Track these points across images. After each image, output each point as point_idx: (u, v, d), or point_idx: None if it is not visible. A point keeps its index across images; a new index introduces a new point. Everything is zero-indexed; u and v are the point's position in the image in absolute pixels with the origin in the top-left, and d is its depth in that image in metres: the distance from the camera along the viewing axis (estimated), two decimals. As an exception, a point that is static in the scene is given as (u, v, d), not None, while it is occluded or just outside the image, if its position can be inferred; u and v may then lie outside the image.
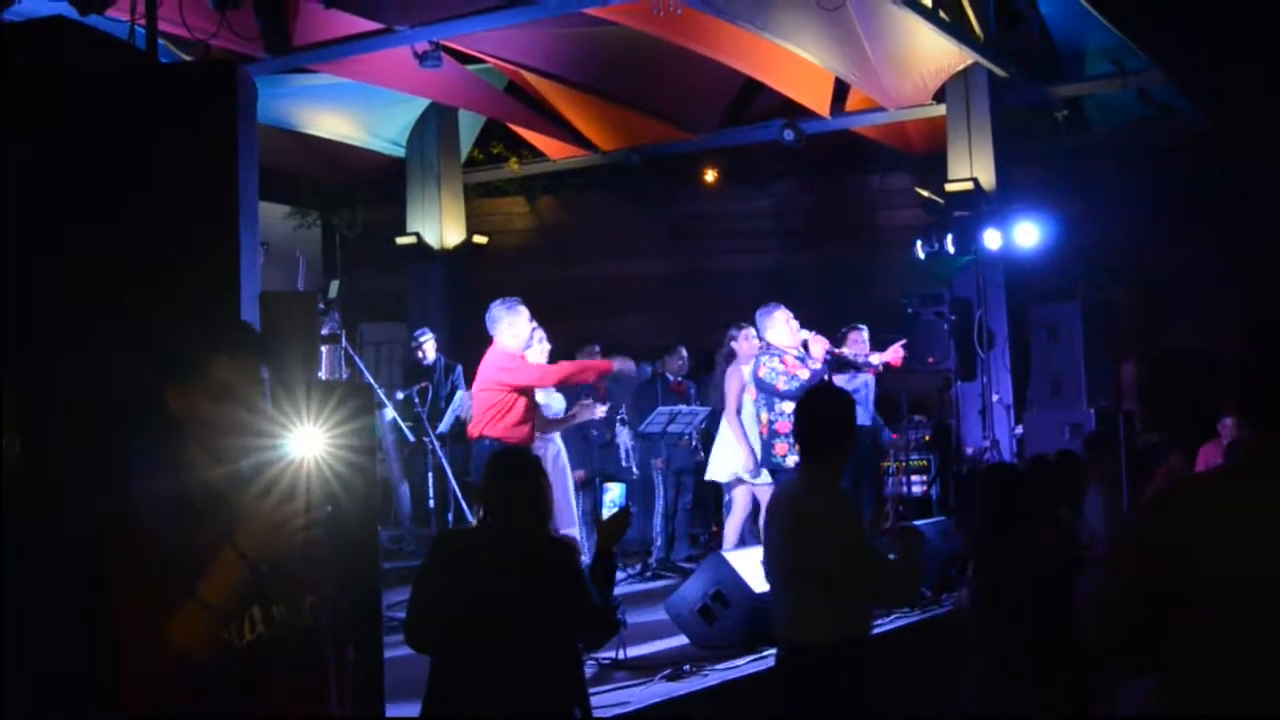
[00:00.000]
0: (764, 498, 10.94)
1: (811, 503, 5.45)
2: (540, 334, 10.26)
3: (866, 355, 11.51)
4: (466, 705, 4.87)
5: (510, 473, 5.21)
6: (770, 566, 5.80)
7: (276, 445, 3.00)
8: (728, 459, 11.27)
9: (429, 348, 13.24)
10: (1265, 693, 2.74)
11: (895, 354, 11.35)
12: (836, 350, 10.98)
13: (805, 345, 10.56)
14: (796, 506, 5.53)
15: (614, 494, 5.65)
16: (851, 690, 5.38)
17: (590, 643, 7.81)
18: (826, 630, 5.38)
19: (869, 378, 12.37)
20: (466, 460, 10.41)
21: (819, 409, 5.65)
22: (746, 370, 10.99)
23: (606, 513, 5.55)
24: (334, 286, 9.74)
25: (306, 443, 2.98)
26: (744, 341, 11.27)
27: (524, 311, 9.47)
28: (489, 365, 9.40)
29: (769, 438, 10.32)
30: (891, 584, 5.59)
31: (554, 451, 10.68)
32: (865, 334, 12.32)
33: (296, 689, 3.12)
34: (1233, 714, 2.77)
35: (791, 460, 9.99)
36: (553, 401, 11.33)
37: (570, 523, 10.34)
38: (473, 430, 9.49)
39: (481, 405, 9.31)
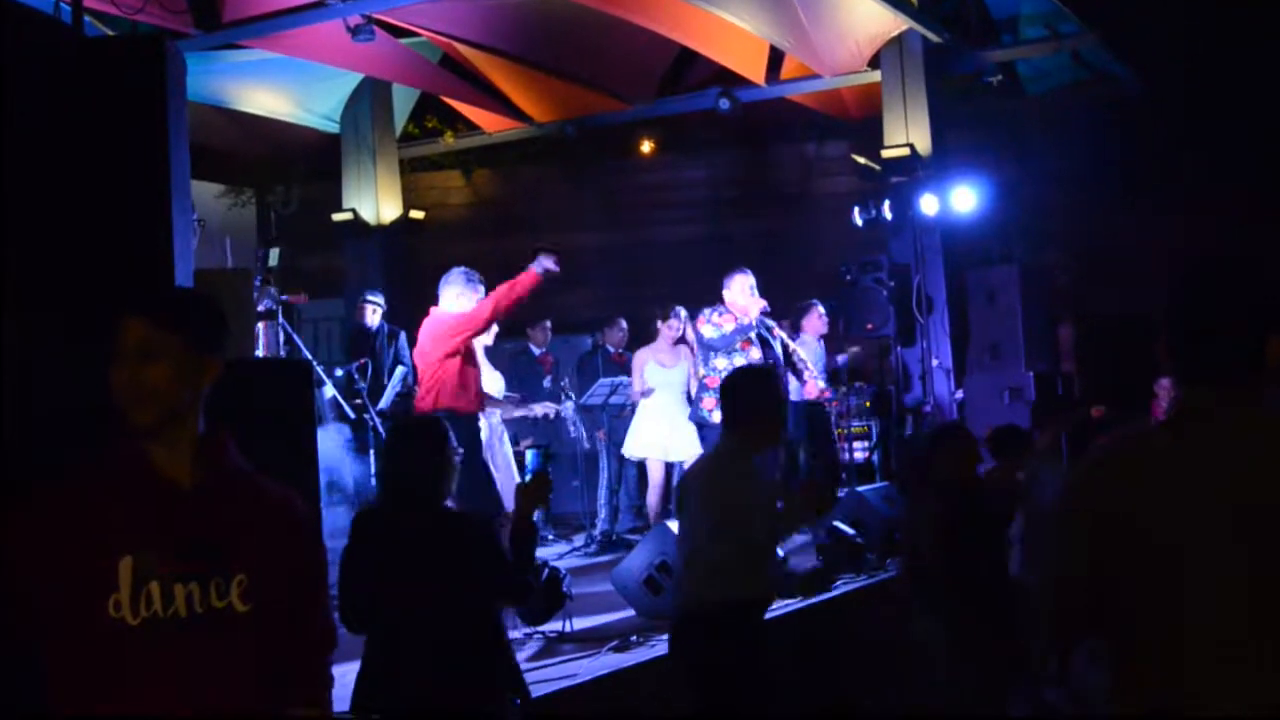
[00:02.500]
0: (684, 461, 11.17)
1: (725, 472, 5.70)
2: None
3: (806, 375, 11.59)
4: (391, 684, 4.85)
5: (410, 443, 5.13)
6: (682, 529, 6.01)
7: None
8: (634, 438, 11.52)
9: (372, 316, 13.06)
10: (1213, 651, 2.74)
11: (812, 389, 11.60)
12: (773, 325, 11.02)
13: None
14: (711, 474, 5.79)
15: (530, 460, 5.54)
16: (750, 648, 5.53)
17: (524, 616, 7.83)
18: (731, 589, 5.52)
19: (817, 346, 12.48)
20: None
21: (743, 384, 5.86)
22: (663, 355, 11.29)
23: (522, 480, 5.52)
24: (273, 255, 9.60)
25: None
26: (671, 326, 11.50)
27: (482, 290, 9.37)
28: (435, 334, 9.15)
29: (699, 391, 10.51)
30: (790, 518, 5.96)
31: (489, 425, 10.55)
32: (821, 309, 12.49)
33: (199, 683, 2.83)
34: (1184, 676, 2.77)
35: (717, 416, 10.06)
36: (493, 381, 11.24)
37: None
38: (420, 402, 9.22)
39: (427, 376, 9.15)
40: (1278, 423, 2.92)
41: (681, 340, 11.63)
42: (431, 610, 4.83)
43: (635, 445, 11.59)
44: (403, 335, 12.73)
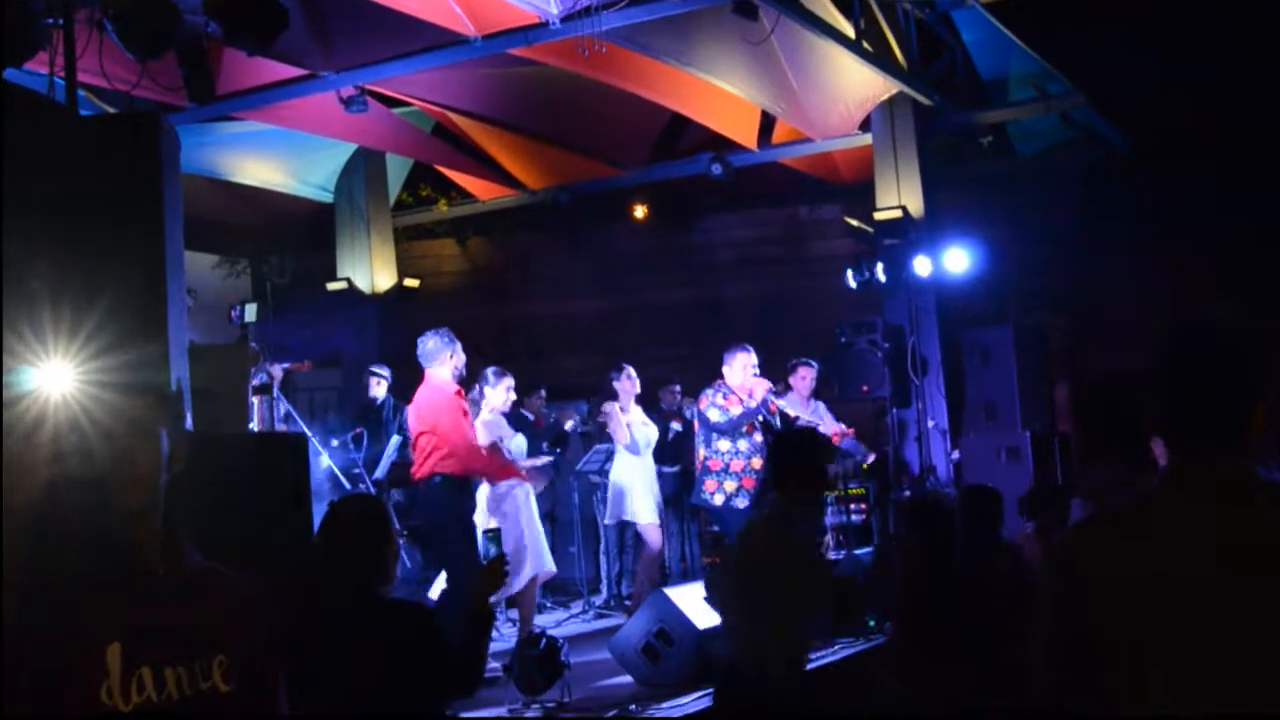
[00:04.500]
0: (649, 536, 11.18)
1: (774, 535, 5.88)
2: (508, 381, 10.34)
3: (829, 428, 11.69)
4: None
5: (339, 523, 4.72)
6: (726, 595, 6.15)
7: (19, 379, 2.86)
8: (619, 501, 11.50)
9: (378, 386, 13.06)
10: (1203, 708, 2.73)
11: (835, 434, 11.64)
12: (774, 403, 11.03)
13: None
14: (761, 538, 5.97)
15: (489, 544, 5.25)
16: (801, 701, 5.61)
17: (522, 686, 7.77)
18: (774, 660, 5.61)
19: (806, 406, 12.47)
20: (411, 504, 10.36)
21: (789, 445, 6.11)
22: (627, 415, 11.30)
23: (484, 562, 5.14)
24: (250, 310, 9.57)
25: (55, 378, 2.84)
26: (625, 382, 11.51)
27: (458, 343, 9.40)
28: (434, 405, 9.18)
29: (701, 473, 10.49)
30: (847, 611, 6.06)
31: (510, 489, 10.33)
32: (814, 370, 12.46)
33: None
34: None
35: (719, 499, 10.20)
36: (513, 444, 11.08)
37: (541, 566, 10.17)
38: (419, 470, 9.21)
39: (428, 443, 9.12)
40: (1263, 489, 2.93)
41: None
42: (362, 709, 4.43)
43: (631, 510, 11.50)
44: (406, 410, 12.79)
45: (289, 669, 4.23)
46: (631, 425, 11.59)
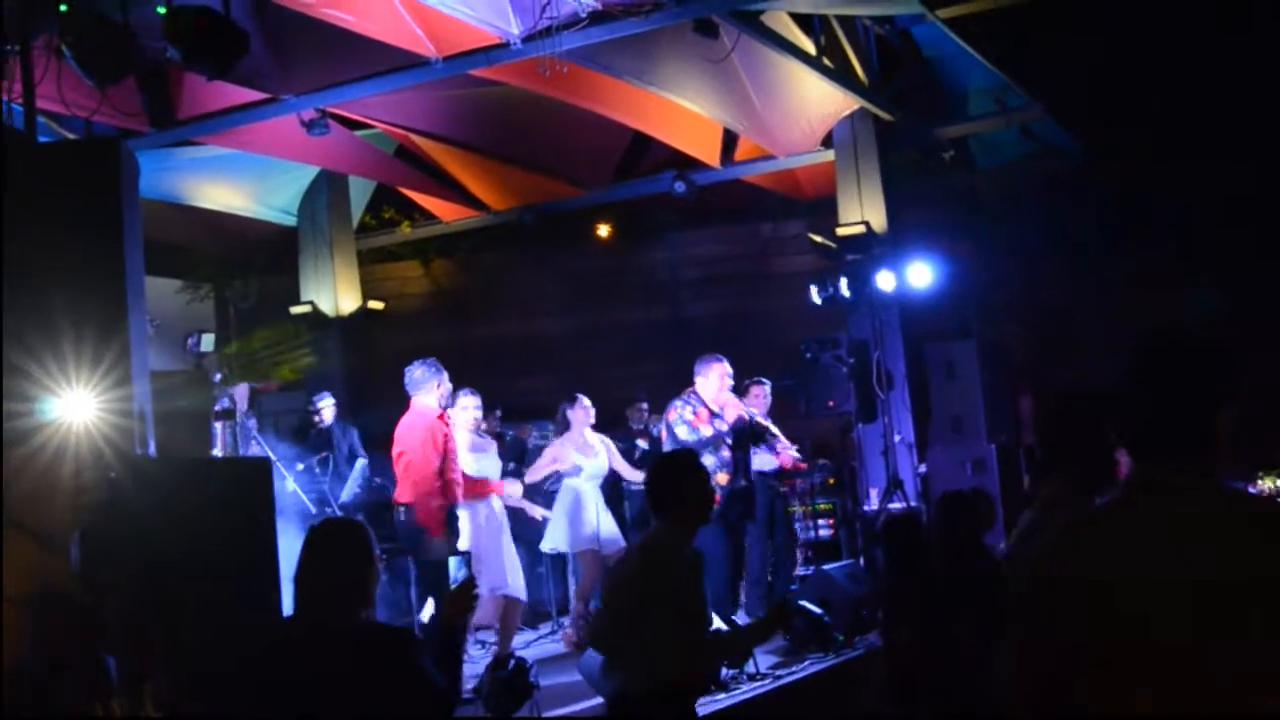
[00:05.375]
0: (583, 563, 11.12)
1: (657, 557, 5.71)
2: (472, 400, 10.32)
3: (780, 446, 11.58)
4: None
5: (320, 549, 4.65)
6: (607, 614, 5.98)
7: (39, 410, 2.88)
8: (551, 529, 11.40)
9: (327, 413, 12.98)
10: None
11: (787, 459, 11.57)
12: (757, 420, 10.98)
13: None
14: (645, 561, 5.79)
15: (460, 566, 5.37)
16: None
17: (491, 707, 7.74)
18: (664, 673, 5.53)
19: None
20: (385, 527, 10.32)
21: (669, 470, 5.89)
22: (569, 450, 11.23)
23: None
24: (206, 340, 9.54)
25: (74, 408, 2.85)
26: (578, 411, 11.40)
27: (445, 373, 9.40)
28: (409, 430, 9.17)
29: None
30: (712, 652, 6.01)
31: (485, 512, 10.28)
32: (767, 389, 12.42)
33: None
34: None
35: None
36: (492, 465, 10.99)
37: (503, 584, 10.06)
38: (400, 495, 9.13)
39: (408, 469, 9.11)
40: (1229, 496, 2.95)
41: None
42: None
43: (576, 538, 11.36)
44: (354, 432, 12.76)
45: (271, 693, 4.33)
46: (564, 459, 11.45)
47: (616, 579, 5.97)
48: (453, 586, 5.21)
